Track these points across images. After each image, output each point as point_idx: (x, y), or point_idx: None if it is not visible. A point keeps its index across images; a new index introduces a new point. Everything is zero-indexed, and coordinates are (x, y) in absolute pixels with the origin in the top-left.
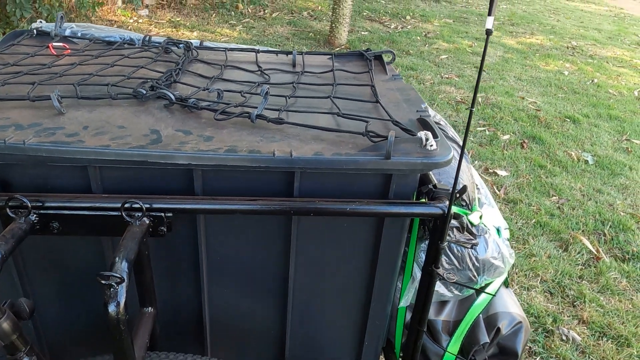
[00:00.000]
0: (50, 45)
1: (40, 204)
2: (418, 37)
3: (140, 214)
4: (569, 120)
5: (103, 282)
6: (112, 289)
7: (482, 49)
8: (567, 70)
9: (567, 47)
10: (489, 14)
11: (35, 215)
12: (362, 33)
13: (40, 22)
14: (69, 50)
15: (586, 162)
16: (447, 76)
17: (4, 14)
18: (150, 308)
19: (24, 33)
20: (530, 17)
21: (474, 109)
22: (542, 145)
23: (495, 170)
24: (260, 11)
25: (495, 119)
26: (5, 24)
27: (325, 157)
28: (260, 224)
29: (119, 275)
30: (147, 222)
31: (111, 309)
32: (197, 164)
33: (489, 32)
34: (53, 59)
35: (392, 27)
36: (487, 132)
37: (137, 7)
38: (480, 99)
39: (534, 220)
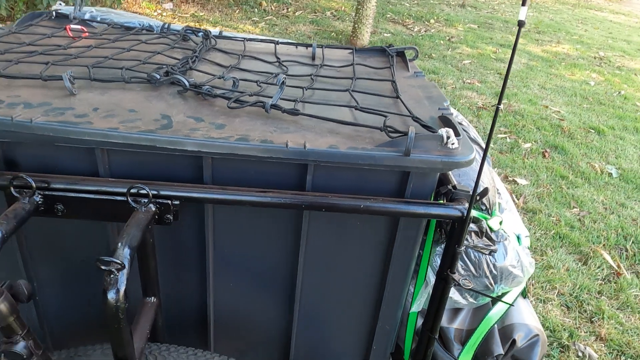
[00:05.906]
0: (67, 27)
1: (46, 185)
2: (441, 41)
3: (146, 201)
4: (593, 131)
5: (103, 267)
6: (112, 276)
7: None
8: (594, 80)
9: (595, 58)
10: (523, 4)
11: (39, 196)
12: (385, 35)
13: (60, 4)
14: (87, 34)
15: (610, 174)
16: (469, 81)
17: (31, 2)
18: (153, 298)
19: (43, 14)
20: (557, 26)
21: (501, 106)
22: (564, 156)
23: (515, 179)
24: (283, 9)
25: (517, 127)
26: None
27: (340, 150)
28: (271, 218)
29: (119, 262)
30: (153, 209)
31: (110, 296)
32: (206, 151)
33: (521, 24)
34: (69, 41)
35: (415, 30)
36: (508, 140)
37: (162, 0)
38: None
39: (553, 232)
